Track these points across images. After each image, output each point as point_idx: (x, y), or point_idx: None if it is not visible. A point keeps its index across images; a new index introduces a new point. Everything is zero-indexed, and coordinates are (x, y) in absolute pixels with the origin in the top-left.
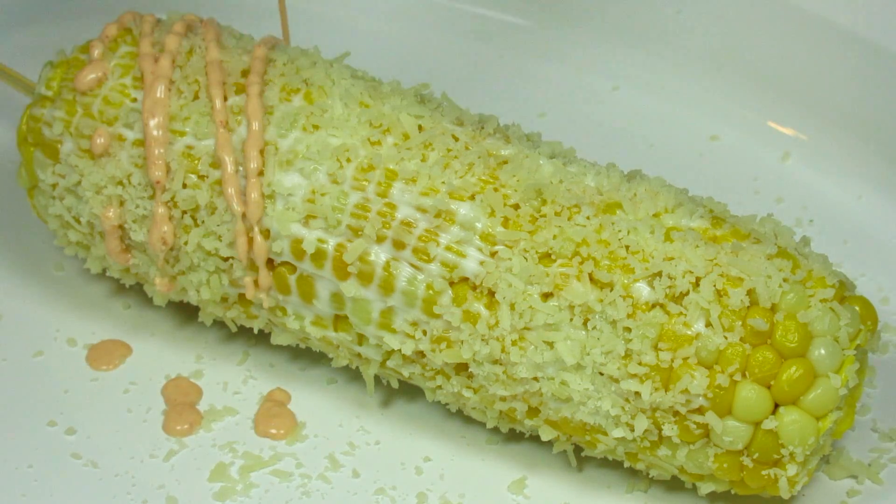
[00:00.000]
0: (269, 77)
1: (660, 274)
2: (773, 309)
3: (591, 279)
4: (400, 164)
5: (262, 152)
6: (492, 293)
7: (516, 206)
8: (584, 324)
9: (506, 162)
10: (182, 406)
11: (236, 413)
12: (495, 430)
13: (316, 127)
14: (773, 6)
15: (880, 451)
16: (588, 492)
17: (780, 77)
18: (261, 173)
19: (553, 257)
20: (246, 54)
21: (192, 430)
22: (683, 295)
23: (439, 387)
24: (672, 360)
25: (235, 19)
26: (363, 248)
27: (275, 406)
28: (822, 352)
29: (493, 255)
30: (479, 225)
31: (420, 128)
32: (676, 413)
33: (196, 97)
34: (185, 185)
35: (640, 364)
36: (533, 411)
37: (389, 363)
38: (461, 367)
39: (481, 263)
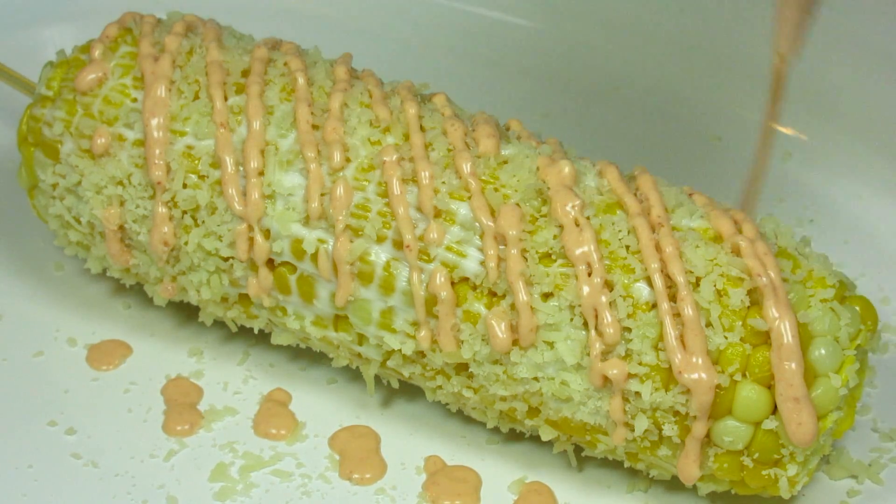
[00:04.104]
0: (269, 77)
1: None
2: None
3: None
4: (400, 164)
5: (262, 152)
6: (492, 293)
7: (516, 206)
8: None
9: (506, 162)
10: (182, 406)
11: (236, 413)
12: (495, 430)
13: (316, 127)
14: (773, 6)
15: (880, 451)
16: (588, 492)
17: None
18: (261, 173)
19: (553, 257)
20: (246, 54)
21: (192, 430)
22: None
23: (439, 387)
24: None
25: (236, 20)
26: (363, 248)
27: (275, 406)
28: (823, 352)
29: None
30: (479, 225)
31: (421, 128)
32: (676, 413)
33: (196, 97)
34: (185, 185)
35: (640, 364)
36: (533, 411)
37: (390, 363)
38: (461, 367)
39: (481, 263)
